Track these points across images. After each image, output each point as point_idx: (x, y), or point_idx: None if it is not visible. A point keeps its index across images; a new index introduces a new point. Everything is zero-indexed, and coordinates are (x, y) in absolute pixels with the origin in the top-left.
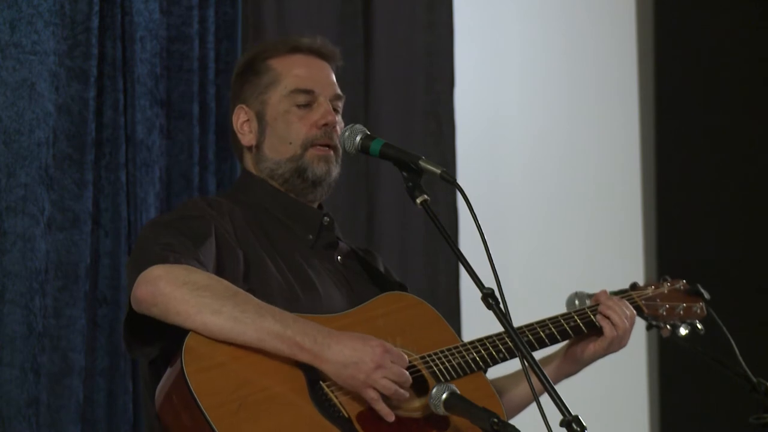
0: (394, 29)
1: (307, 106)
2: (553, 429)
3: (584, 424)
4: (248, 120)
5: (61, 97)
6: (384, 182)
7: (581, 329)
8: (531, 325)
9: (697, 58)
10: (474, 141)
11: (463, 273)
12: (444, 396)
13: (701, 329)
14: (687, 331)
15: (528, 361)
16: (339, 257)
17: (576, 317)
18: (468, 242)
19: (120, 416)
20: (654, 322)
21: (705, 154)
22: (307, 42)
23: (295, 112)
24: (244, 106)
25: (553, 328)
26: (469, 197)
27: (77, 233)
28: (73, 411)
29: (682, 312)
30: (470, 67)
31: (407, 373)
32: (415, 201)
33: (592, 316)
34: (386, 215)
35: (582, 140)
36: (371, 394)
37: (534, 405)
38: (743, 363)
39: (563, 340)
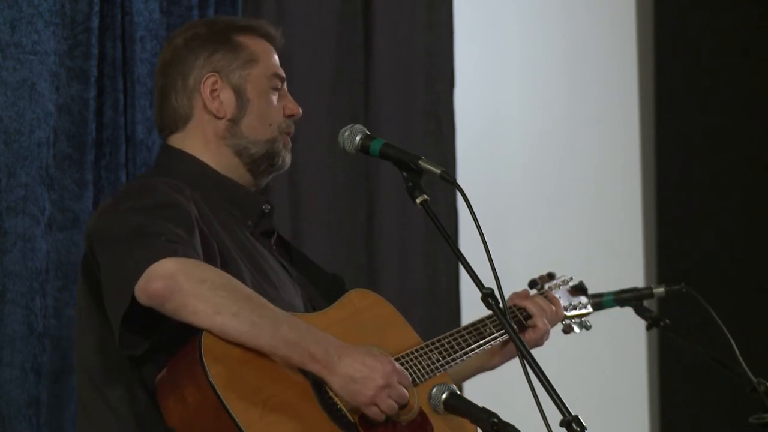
0: (394, 29)
1: (277, 92)
2: (553, 429)
3: (584, 424)
4: (217, 90)
5: (62, 97)
6: (384, 182)
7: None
8: (482, 320)
9: (697, 58)
10: (474, 141)
11: (463, 273)
12: (444, 396)
13: (590, 327)
14: (582, 329)
15: (528, 361)
16: (274, 246)
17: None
18: (468, 242)
19: None
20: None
21: (705, 154)
22: (272, 31)
23: (273, 96)
24: (215, 75)
25: (492, 328)
26: (469, 197)
27: (77, 233)
28: (73, 411)
29: (578, 308)
30: (470, 67)
31: (408, 394)
32: (415, 201)
33: (519, 315)
34: (386, 215)
35: (582, 140)
36: (375, 411)
37: (536, 407)
38: (743, 363)
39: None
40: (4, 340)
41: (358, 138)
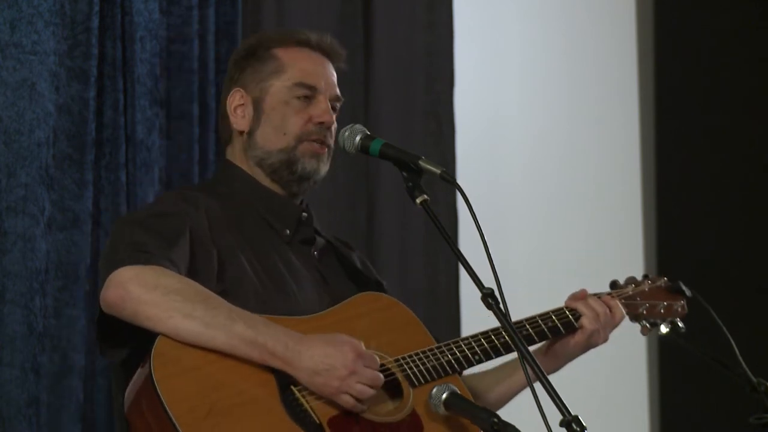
0: (394, 29)
1: (307, 100)
2: (553, 429)
3: (584, 424)
4: (243, 104)
5: (62, 97)
6: (384, 182)
7: (559, 330)
8: (496, 329)
9: (697, 58)
10: (474, 141)
11: (463, 273)
12: (444, 396)
13: (682, 327)
14: (668, 330)
15: (528, 362)
16: (315, 252)
17: (554, 317)
18: (468, 242)
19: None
20: (634, 321)
21: (705, 154)
22: (315, 38)
23: (295, 105)
24: (241, 90)
25: (530, 329)
26: (469, 197)
27: (77, 233)
28: (73, 411)
29: (662, 310)
30: (470, 67)
31: (381, 375)
32: (415, 201)
33: (570, 316)
34: (386, 215)
35: (582, 140)
36: (346, 399)
37: (536, 407)
38: (743, 363)
39: (540, 341)
40: (4, 340)
41: (358, 138)
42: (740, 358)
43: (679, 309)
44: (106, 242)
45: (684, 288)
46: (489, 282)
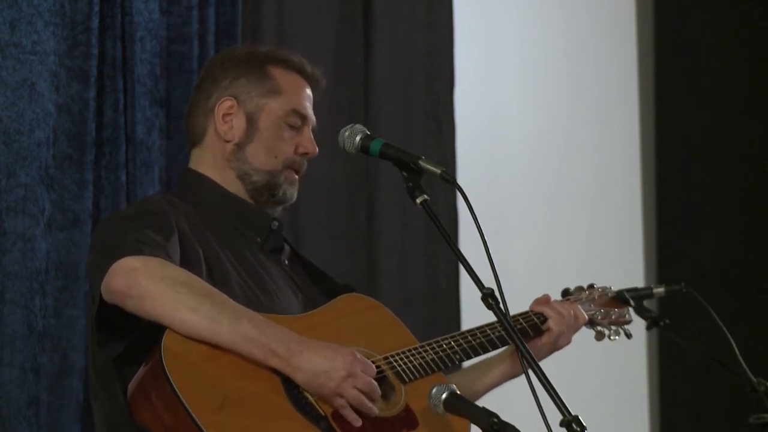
0: (394, 29)
1: (295, 129)
2: (553, 429)
3: (584, 424)
4: (231, 114)
5: (61, 97)
6: (384, 182)
7: (527, 332)
8: (481, 327)
9: (697, 58)
10: (474, 141)
11: (463, 273)
12: (444, 396)
13: (630, 336)
14: (618, 337)
15: (528, 361)
16: (286, 261)
17: (521, 320)
18: (468, 242)
19: None
20: (589, 327)
21: (705, 154)
22: (309, 69)
23: (286, 131)
24: (232, 99)
25: (501, 331)
26: (469, 197)
27: (77, 233)
28: (73, 411)
29: (614, 317)
30: (470, 67)
31: (376, 384)
32: (415, 201)
33: (536, 320)
34: (386, 215)
35: (582, 140)
36: (339, 402)
37: (536, 407)
38: (743, 363)
39: (509, 343)
40: (4, 340)
41: (358, 138)
42: (740, 358)
43: (627, 316)
44: (94, 237)
45: (627, 297)
46: (489, 282)
